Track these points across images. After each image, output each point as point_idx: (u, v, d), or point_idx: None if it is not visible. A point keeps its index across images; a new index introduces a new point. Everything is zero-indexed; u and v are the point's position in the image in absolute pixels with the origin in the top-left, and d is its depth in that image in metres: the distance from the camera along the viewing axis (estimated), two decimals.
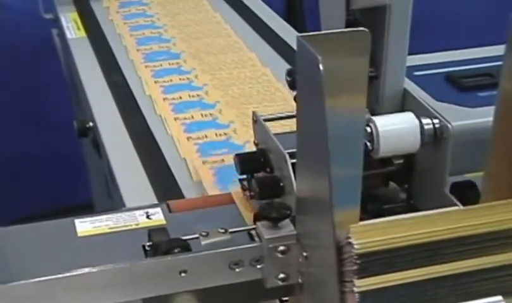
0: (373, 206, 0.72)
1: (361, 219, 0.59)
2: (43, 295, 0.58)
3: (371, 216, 0.65)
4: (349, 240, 0.51)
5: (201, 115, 1.06)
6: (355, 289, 0.52)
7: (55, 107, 1.84)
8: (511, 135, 0.58)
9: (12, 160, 2.02)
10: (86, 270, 0.59)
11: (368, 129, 0.67)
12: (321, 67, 0.49)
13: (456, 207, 0.63)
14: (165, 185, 0.91)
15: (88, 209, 1.71)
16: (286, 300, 0.66)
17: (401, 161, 0.72)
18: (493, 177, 0.60)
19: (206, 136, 1.00)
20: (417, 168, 0.72)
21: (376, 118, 0.67)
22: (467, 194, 0.68)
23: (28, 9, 1.70)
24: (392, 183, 0.75)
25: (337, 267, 0.53)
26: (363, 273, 0.52)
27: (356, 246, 0.51)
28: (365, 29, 0.55)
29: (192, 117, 1.07)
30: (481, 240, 0.55)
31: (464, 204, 0.66)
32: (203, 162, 0.93)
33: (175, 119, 1.05)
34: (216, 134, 1.00)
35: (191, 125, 1.03)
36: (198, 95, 1.13)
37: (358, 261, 0.51)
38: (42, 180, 2.01)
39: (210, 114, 1.06)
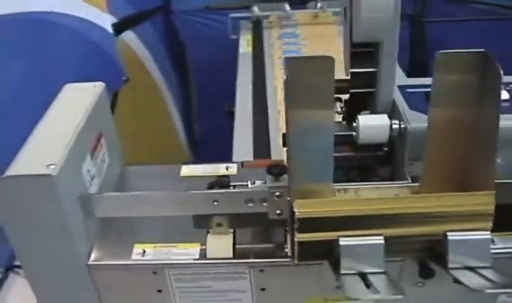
0: (369, 176, 0.76)
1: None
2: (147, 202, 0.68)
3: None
4: (293, 210, 0.60)
5: None
6: (295, 239, 0.61)
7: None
8: (439, 138, 0.60)
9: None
10: (164, 193, 0.68)
11: (354, 124, 0.70)
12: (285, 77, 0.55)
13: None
14: (263, 151, 0.99)
15: None
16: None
17: (386, 149, 0.74)
18: (429, 163, 0.62)
19: None
20: (395, 154, 0.74)
21: (360, 116, 0.70)
22: None
23: (220, 33, 1.80)
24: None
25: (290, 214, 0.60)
26: (301, 230, 0.60)
27: (297, 213, 0.60)
28: (331, 56, 0.58)
29: None
30: (378, 218, 0.60)
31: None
32: None
33: None
34: None
35: None
36: None
37: (298, 223, 0.60)
38: None
39: None
